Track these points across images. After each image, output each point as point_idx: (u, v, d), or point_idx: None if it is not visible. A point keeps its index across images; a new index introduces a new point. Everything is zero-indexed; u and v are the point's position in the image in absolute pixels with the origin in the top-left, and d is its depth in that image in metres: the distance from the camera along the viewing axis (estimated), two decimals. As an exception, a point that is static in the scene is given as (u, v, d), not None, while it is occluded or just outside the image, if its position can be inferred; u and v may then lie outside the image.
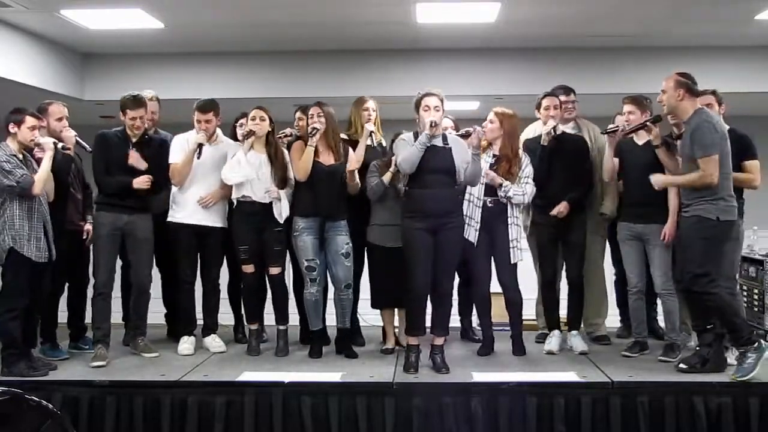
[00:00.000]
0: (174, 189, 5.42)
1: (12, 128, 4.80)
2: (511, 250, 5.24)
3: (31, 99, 5.81)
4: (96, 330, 5.24)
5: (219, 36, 7.64)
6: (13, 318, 4.74)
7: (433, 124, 4.84)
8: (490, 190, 5.24)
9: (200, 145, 5.27)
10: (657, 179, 4.93)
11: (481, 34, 7.64)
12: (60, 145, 4.90)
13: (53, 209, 4.99)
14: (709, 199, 4.63)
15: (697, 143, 4.62)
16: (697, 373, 4.72)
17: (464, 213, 5.17)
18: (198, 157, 5.28)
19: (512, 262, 5.26)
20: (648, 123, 5.07)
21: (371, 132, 5.40)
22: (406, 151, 4.90)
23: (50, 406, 3.76)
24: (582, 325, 5.64)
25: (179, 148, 5.38)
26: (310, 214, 5.21)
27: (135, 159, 5.25)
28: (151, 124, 5.63)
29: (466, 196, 5.24)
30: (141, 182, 5.24)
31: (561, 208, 5.31)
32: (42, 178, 4.77)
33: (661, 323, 5.59)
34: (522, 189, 5.25)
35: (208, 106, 5.37)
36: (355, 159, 5.25)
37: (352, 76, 8.25)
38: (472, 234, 5.21)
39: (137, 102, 5.27)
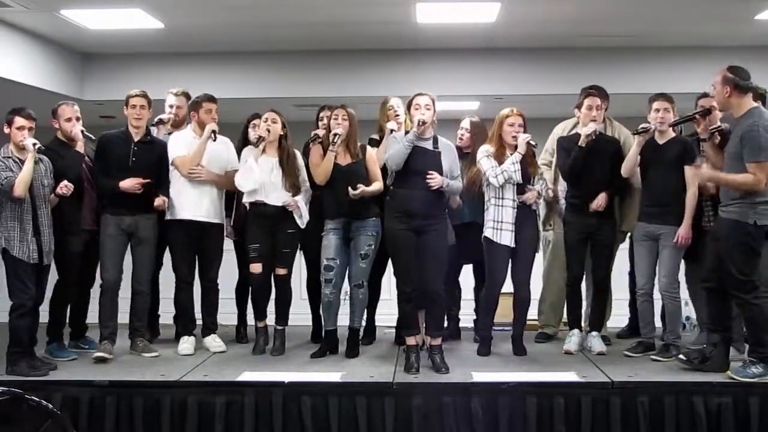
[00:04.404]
0: (172, 189, 5.41)
1: (5, 129, 4.82)
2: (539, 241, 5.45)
3: (31, 99, 5.82)
4: (103, 328, 5.27)
5: (219, 36, 7.64)
6: (21, 316, 4.76)
7: (421, 123, 4.88)
8: (521, 190, 5.22)
9: (214, 132, 5.31)
10: (703, 173, 4.68)
11: (481, 34, 7.64)
12: (37, 146, 4.79)
13: (67, 209, 5.00)
14: (748, 202, 4.48)
15: (748, 146, 4.43)
16: (695, 371, 4.72)
17: (493, 218, 5.16)
18: (214, 140, 5.31)
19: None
20: (697, 115, 4.96)
21: (392, 130, 5.34)
22: (394, 149, 4.93)
23: (50, 406, 3.77)
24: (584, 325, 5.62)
25: (181, 143, 5.39)
26: (336, 215, 5.23)
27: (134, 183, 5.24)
28: (176, 119, 5.74)
29: (493, 201, 5.19)
30: (129, 185, 5.20)
31: (600, 201, 5.25)
32: (23, 179, 4.73)
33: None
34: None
35: (214, 98, 5.44)
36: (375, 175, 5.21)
37: (352, 76, 8.25)
38: (506, 237, 5.15)
39: (140, 93, 5.36)
